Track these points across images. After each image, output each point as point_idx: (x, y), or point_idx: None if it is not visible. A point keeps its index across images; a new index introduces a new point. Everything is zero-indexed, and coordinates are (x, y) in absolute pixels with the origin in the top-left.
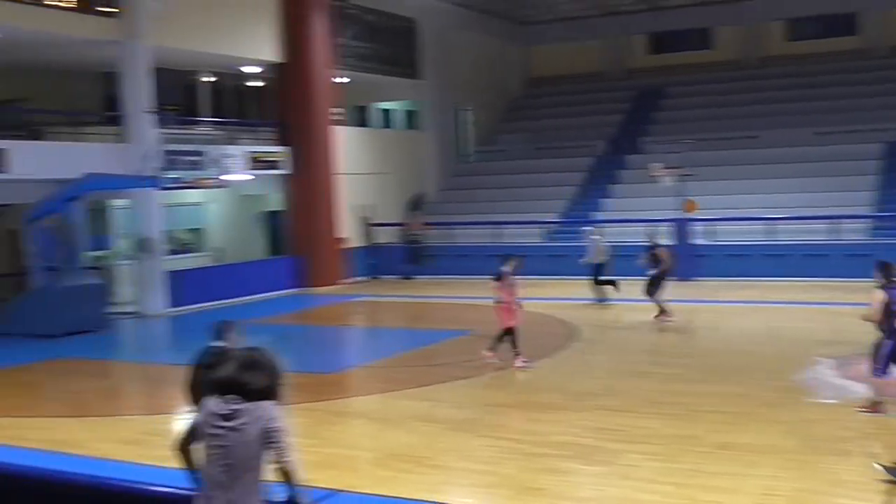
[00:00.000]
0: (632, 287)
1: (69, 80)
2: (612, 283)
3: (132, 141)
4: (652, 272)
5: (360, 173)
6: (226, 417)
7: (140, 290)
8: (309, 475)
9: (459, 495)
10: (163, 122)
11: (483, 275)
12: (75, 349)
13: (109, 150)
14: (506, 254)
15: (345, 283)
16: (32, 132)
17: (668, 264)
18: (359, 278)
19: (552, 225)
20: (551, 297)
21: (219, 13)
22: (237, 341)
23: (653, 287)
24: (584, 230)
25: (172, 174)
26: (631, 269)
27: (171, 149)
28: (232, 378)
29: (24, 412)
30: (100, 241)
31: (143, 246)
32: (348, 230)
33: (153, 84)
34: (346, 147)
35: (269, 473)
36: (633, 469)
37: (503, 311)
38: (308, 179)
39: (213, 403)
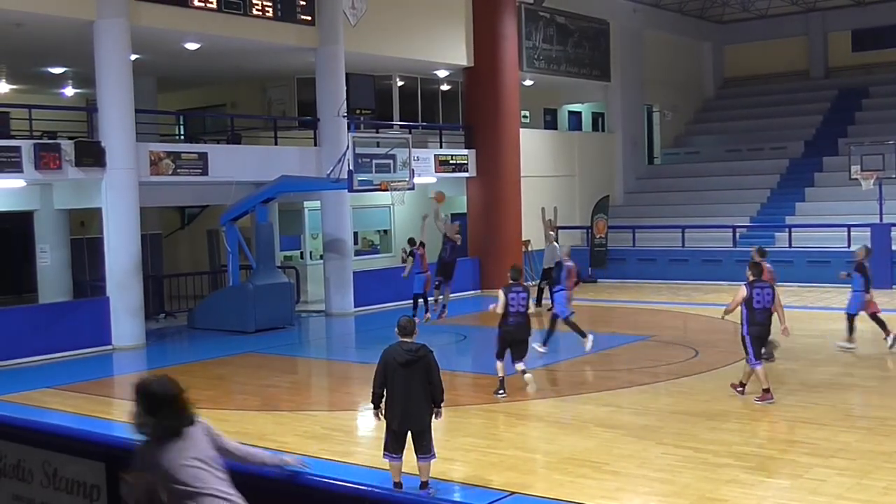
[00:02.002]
0: (821, 294)
1: (265, 87)
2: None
3: (325, 144)
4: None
5: (543, 176)
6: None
7: (328, 290)
8: (486, 476)
9: (635, 503)
10: (355, 126)
11: (667, 279)
12: (266, 345)
13: (303, 154)
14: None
15: (527, 286)
16: (232, 136)
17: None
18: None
19: (742, 229)
20: None
21: (411, 19)
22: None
23: None
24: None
25: (363, 176)
26: (821, 275)
27: (361, 152)
28: None
29: (218, 404)
30: (291, 241)
31: (332, 246)
32: (531, 233)
33: (346, 88)
34: (532, 149)
35: None
36: (821, 484)
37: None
38: (492, 182)
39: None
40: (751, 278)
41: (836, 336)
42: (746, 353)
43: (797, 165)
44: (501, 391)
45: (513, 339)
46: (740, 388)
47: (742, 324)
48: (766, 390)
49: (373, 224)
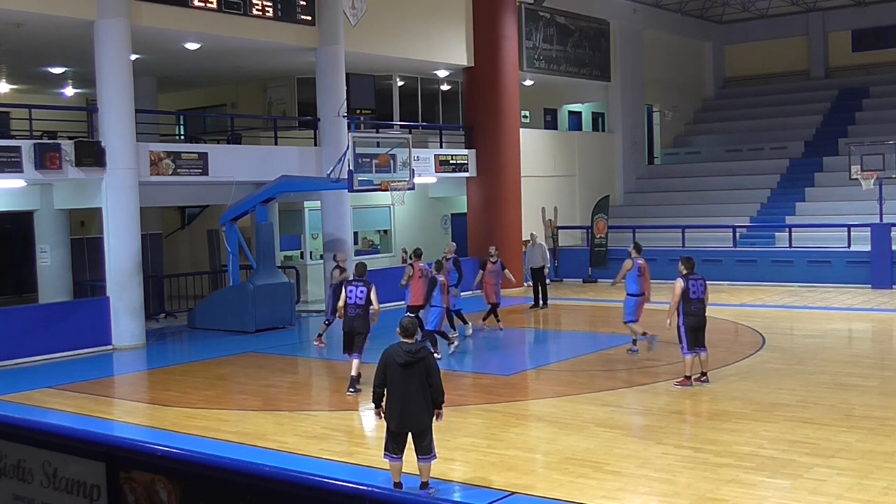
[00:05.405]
0: (821, 294)
1: (265, 87)
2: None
3: (325, 144)
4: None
5: (543, 176)
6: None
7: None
8: (486, 476)
9: (636, 503)
10: (355, 126)
11: (667, 279)
12: (266, 345)
13: (303, 154)
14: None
15: (527, 286)
16: (232, 136)
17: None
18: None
19: (742, 229)
20: (740, 304)
21: (411, 19)
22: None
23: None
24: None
25: (363, 176)
26: (821, 275)
27: (362, 152)
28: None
29: (218, 404)
30: (292, 241)
31: (332, 246)
32: (531, 233)
33: (346, 88)
34: (532, 149)
35: None
36: (822, 484)
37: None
38: (492, 182)
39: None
40: (684, 271)
41: (836, 336)
42: (680, 342)
43: (797, 165)
44: (351, 389)
45: (350, 329)
46: (686, 381)
47: (678, 315)
48: (688, 377)
49: (373, 224)
